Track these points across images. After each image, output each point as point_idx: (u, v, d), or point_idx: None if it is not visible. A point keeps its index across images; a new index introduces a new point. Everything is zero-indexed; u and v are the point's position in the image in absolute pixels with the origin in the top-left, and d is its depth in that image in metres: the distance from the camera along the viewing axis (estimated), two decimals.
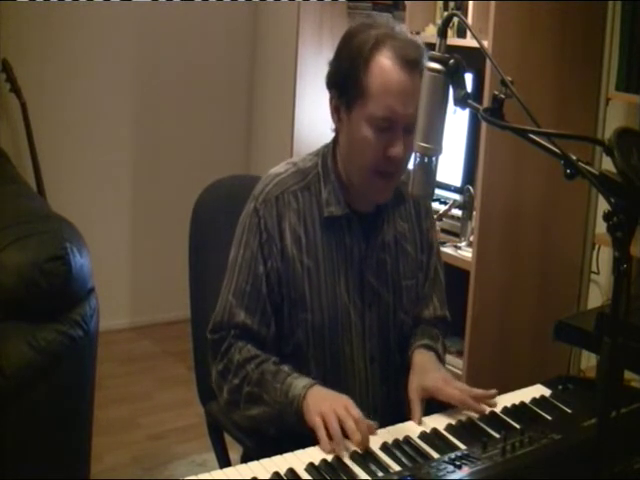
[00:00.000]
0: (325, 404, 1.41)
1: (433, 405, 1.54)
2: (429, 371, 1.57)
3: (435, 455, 1.35)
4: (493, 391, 1.52)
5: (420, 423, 1.46)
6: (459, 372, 2.61)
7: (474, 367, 2.57)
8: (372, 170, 1.53)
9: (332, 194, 1.59)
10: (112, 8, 3.72)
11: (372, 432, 1.39)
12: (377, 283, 1.64)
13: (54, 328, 1.92)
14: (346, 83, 1.52)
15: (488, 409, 1.50)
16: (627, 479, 1.25)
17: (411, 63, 1.48)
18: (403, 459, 1.33)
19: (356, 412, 1.39)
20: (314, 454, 1.35)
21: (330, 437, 1.36)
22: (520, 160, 2.53)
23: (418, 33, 2.78)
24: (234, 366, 1.54)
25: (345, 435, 1.36)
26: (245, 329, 1.57)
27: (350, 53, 1.52)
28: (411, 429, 1.44)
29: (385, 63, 1.48)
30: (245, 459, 1.61)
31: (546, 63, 2.54)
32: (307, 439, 1.39)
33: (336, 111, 1.57)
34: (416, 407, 1.50)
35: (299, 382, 1.48)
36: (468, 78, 2.55)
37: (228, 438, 1.76)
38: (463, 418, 1.48)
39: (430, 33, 2.75)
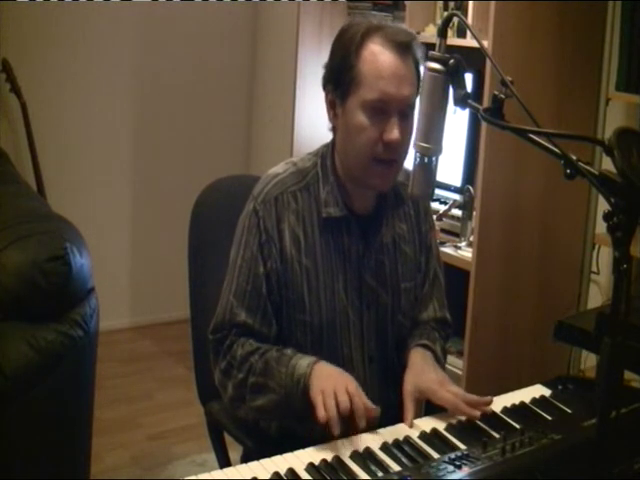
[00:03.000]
0: (328, 382, 1.42)
1: (432, 406, 1.53)
2: (425, 372, 1.56)
3: (435, 455, 1.34)
4: (488, 398, 1.50)
5: (411, 426, 1.45)
6: (459, 372, 2.61)
7: (474, 367, 2.57)
8: (370, 157, 1.52)
9: (330, 194, 1.59)
10: (112, 8, 3.72)
11: (372, 414, 1.40)
12: (375, 284, 1.63)
13: (54, 328, 1.92)
14: (340, 74, 1.52)
15: (479, 414, 1.47)
16: (627, 479, 1.25)
17: (402, 46, 1.49)
18: (403, 459, 1.33)
19: (354, 390, 1.40)
20: (314, 454, 1.35)
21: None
22: (520, 160, 2.53)
23: (418, 33, 2.78)
24: (237, 361, 1.55)
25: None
26: (246, 328, 1.57)
27: (342, 46, 1.53)
28: (411, 429, 1.44)
29: (376, 48, 1.49)
30: (245, 459, 1.62)
31: (546, 63, 2.54)
32: (307, 439, 1.39)
33: (332, 106, 1.57)
34: (409, 408, 1.49)
35: (303, 361, 1.49)
36: (468, 78, 2.55)
37: (228, 438, 1.76)
38: (463, 418, 1.48)
39: (430, 33, 2.75)
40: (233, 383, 1.56)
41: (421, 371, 1.57)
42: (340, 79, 1.52)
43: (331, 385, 1.42)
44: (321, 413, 1.38)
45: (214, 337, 1.60)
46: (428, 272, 1.74)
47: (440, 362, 1.67)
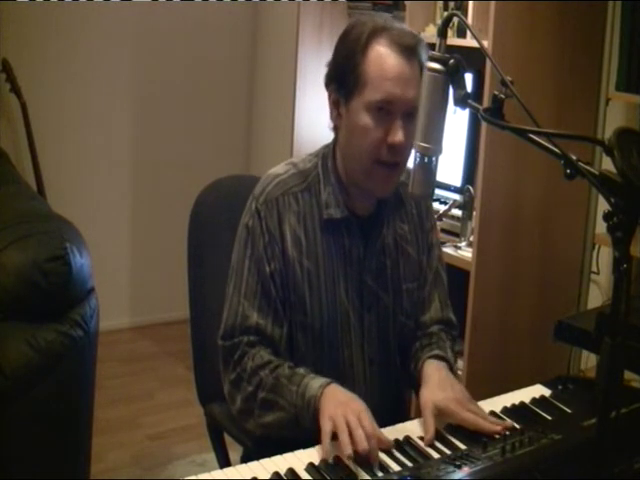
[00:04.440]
0: (339, 409, 1.37)
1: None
2: (442, 389, 1.50)
3: (435, 455, 1.35)
4: (509, 423, 1.45)
5: (432, 443, 1.39)
6: (459, 372, 2.61)
7: (474, 367, 2.57)
8: (373, 160, 1.51)
9: (332, 196, 1.58)
10: (112, 8, 3.72)
11: (387, 447, 1.36)
12: (376, 286, 1.62)
13: (54, 328, 1.92)
14: (344, 74, 1.51)
15: (501, 429, 1.42)
16: (627, 479, 1.25)
17: (408, 49, 1.48)
18: (403, 459, 1.33)
19: (368, 423, 1.35)
20: (314, 454, 1.35)
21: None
22: (520, 160, 2.53)
23: (418, 33, 2.78)
24: (247, 374, 1.51)
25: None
26: (258, 332, 1.54)
27: (347, 45, 1.52)
28: (411, 429, 1.44)
29: (382, 50, 1.48)
30: (245, 459, 1.61)
31: (546, 63, 2.54)
32: (308, 440, 1.38)
33: (335, 106, 1.56)
34: (429, 425, 1.42)
35: (315, 382, 1.45)
36: (468, 78, 2.55)
37: (228, 438, 1.76)
38: None
39: (430, 33, 2.75)
40: (242, 396, 1.53)
41: (438, 388, 1.51)
42: (344, 79, 1.51)
43: (342, 412, 1.36)
44: (325, 446, 1.33)
45: (224, 344, 1.56)
46: (429, 271, 1.72)
47: (453, 369, 1.63)
